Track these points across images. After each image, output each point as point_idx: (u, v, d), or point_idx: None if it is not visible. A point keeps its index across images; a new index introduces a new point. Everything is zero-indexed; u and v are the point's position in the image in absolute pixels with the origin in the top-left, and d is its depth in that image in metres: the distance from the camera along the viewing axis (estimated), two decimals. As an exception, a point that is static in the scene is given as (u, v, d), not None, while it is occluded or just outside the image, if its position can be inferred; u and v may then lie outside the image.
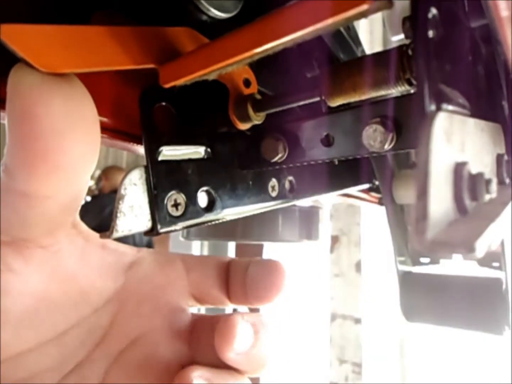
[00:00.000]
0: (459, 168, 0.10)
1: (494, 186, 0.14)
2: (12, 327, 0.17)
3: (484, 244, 0.08)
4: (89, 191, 2.11)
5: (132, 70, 0.16)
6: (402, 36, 0.34)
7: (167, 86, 0.17)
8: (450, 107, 0.10)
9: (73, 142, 0.14)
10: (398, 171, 0.38)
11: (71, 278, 0.19)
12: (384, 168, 0.37)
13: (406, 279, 0.38)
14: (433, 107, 0.10)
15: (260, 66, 0.26)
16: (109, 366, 0.19)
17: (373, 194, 0.43)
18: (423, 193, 0.09)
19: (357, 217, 1.30)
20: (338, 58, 0.28)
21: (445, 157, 0.09)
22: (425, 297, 0.37)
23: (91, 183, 2.11)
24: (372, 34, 1.35)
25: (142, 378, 0.19)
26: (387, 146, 0.17)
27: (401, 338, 1.35)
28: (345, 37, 0.29)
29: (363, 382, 1.23)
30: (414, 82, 0.16)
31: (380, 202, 0.44)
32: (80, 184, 0.16)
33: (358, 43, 0.31)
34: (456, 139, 0.11)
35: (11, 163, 0.14)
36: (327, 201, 0.50)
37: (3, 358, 0.17)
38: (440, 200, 0.09)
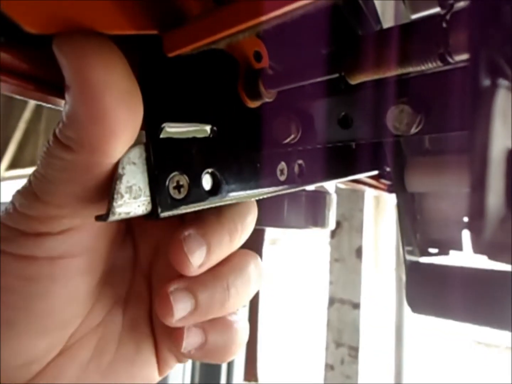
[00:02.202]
0: (511, 156, 0.09)
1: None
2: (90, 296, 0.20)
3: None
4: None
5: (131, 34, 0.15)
6: (423, 13, 0.31)
7: (171, 54, 0.15)
8: (506, 83, 0.09)
9: (136, 109, 0.15)
10: (411, 158, 0.37)
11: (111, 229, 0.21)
12: (396, 154, 0.35)
13: (413, 269, 0.37)
14: (487, 82, 0.08)
15: (271, 39, 0.24)
16: (148, 279, 0.23)
17: (383, 180, 0.41)
18: (479, 185, 0.07)
19: (360, 203, 1.29)
20: (356, 34, 0.26)
21: (501, 142, 0.08)
22: (433, 289, 0.36)
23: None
24: (384, 15, 1.31)
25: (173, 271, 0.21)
26: (413, 129, 0.15)
27: (398, 324, 1.36)
28: (364, 10, 0.27)
29: (359, 365, 1.24)
30: (448, 58, 0.15)
31: (390, 189, 0.43)
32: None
33: (377, 19, 0.29)
34: (508, 122, 0.09)
35: (91, 140, 0.15)
36: (331, 186, 0.48)
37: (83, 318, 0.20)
38: (495, 193, 0.08)
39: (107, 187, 0.17)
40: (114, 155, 0.16)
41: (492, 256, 0.07)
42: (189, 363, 0.80)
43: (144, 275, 0.23)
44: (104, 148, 0.15)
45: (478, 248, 0.07)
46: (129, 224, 0.23)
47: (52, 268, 0.18)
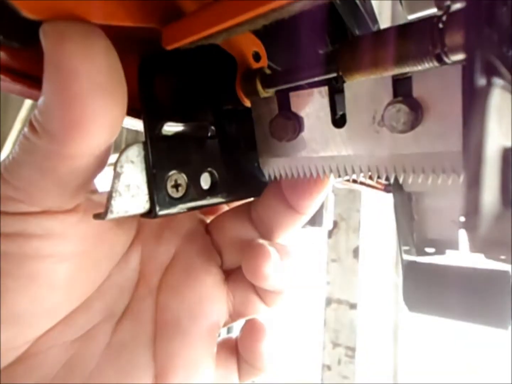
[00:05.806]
0: (507, 154, 0.09)
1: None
2: (61, 290, 0.18)
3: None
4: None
5: (130, 32, 0.15)
6: (420, 14, 0.32)
7: (170, 47, 0.16)
8: (502, 82, 0.09)
9: (117, 96, 0.14)
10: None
11: (98, 233, 0.19)
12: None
13: (410, 269, 0.37)
14: (482, 81, 0.08)
15: (270, 40, 0.24)
16: (156, 296, 0.21)
17: (380, 180, 0.41)
18: (475, 182, 0.07)
19: (357, 203, 1.29)
20: (353, 34, 0.26)
21: (496, 140, 0.08)
22: (429, 288, 0.36)
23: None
24: (381, 15, 1.31)
25: (190, 289, 0.22)
26: (410, 129, 0.15)
27: (395, 324, 1.36)
28: (362, 11, 0.27)
29: (356, 365, 1.25)
30: (444, 58, 0.15)
31: (387, 189, 0.43)
32: (110, 144, 0.16)
33: (374, 19, 0.29)
34: (504, 121, 0.09)
35: (52, 127, 0.14)
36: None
37: (56, 322, 0.18)
38: (490, 190, 0.08)
39: (65, 182, 0.16)
40: (75, 149, 0.14)
41: (488, 254, 0.07)
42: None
43: (150, 291, 0.21)
44: (64, 139, 0.14)
45: (474, 246, 0.07)
46: (139, 238, 0.22)
47: (6, 246, 0.16)
